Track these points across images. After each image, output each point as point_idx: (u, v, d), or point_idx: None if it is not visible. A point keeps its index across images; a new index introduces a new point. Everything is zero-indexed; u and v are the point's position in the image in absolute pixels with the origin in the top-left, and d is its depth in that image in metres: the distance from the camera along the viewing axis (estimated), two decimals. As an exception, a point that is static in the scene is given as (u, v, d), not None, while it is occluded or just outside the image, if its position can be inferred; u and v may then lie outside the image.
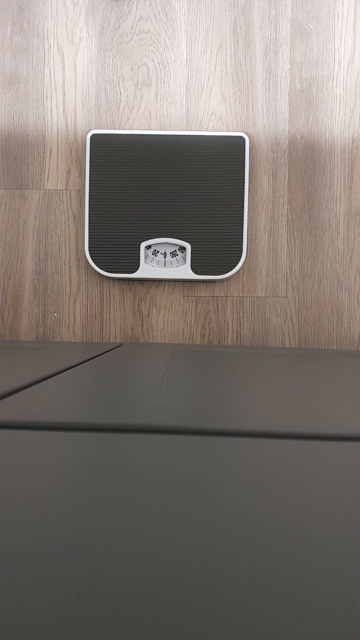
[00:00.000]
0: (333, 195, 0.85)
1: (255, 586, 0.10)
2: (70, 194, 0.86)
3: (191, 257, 0.82)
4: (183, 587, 0.10)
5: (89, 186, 0.82)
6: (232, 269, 0.82)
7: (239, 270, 0.85)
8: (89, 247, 0.83)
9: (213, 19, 0.85)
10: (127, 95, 0.86)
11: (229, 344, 0.85)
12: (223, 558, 0.11)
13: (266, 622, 0.09)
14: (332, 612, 0.09)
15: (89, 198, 0.82)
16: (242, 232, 0.82)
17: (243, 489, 0.15)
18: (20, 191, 0.86)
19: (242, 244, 0.82)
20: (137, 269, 0.82)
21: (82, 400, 0.27)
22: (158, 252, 0.82)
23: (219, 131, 0.84)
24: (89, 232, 0.83)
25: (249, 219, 0.85)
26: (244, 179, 0.82)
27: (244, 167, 0.82)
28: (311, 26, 0.85)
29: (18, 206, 0.86)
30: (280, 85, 0.85)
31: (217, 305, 0.86)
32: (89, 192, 0.83)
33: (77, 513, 0.13)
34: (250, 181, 0.85)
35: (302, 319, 0.86)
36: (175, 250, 0.83)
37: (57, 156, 0.86)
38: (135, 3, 0.85)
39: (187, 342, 0.86)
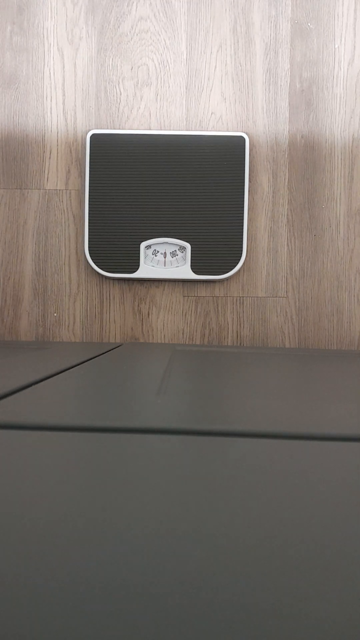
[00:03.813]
0: (333, 195, 0.85)
1: (256, 586, 0.10)
2: (70, 193, 0.86)
3: (191, 257, 0.82)
4: (183, 587, 0.10)
5: (89, 186, 0.82)
6: (232, 269, 0.82)
7: (239, 270, 0.85)
8: (88, 247, 0.83)
9: (213, 19, 0.85)
10: (127, 95, 0.86)
11: (229, 344, 0.85)
12: (223, 558, 0.11)
13: (266, 622, 0.09)
14: (332, 613, 0.09)
15: (89, 198, 0.82)
16: (242, 232, 0.82)
17: (243, 489, 0.15)
18: (20, 191, 0.86)
19: (242, 244, 0.82)
20: (137, 269, 0.82)
21: (82, 401, 0.27)
22: (158, 252, 0.82)
23: (219, 131, 0.84)
24: (89, 232, 0.83)
25: (249, 218, 0.85)
26: (244, 179, 0.82)
27: (244, 166, 0.82)
28: (311, 26, 0.85)
29: (18, 206, 0.86)
30: (280, 85, 0.85)
31: (217, 305, 0.86)
32: (89, 192, 0.82)
33: (77, 513, 0.13)
34: (250, 181, 0.85)
35: (302, 319, 0.86)
36: (175, 250, 0.82)
37: (57, 156, 0.86)
38: (135, 3, 0.85)
39: (187, 342, 0.86)
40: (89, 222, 0.83)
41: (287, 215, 0.85)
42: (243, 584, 0.10)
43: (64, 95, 0.86)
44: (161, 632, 0.08)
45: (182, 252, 0.82)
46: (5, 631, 0.08)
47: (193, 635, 0.08)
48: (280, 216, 0.85)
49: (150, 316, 0.86)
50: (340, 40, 0.85)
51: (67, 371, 0.39)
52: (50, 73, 0.86)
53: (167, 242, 0.82)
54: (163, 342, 0.86)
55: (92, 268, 0.85)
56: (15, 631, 0.08)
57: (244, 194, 0.82)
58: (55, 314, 0.86)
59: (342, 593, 0.10)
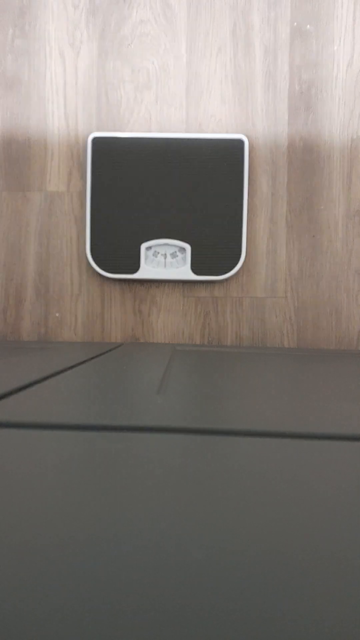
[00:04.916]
0: (332, 196, 0.85)
1: (256, 587, 0.10)
2: (71, 196, 0.86)
3: (191, 258, 0.82)
4: (183, 587, 0.10)
5: (90, 188, 0.83)
6: (231, 269, 0.83)
7: (238, 271, 0.85)
8: (90, 248, 0.83)
9: (212, 22, 0.85)
10: (128, 98, 0.86)
11: (228, 344, 0.86)
12: (223, 558, 0.11)
13: (266, 623, 0.09)
14: (333, 613, 0.09)
15: (90, 200, 0.83)
16: (242, 233, 0.82)
17: (243, 488, 0.15)
18: (22, 193, 0.87)
19: (241, 245, 0.82)
20: (138, 269, 0.82)
21: (83, 400, 0.27)
22: (158, 253, 0.83)
23: (218, 133, 0.84)
24: (90, 233, 0.83)
25: (249, 220, 0.85)
26: (243, 181, 0.82)
27: (244, 168, 0.82)
28: (310, 28, 0.85)
29: (20, 208, 0.87)
30: (280, 88, 0.85)
31: (217, 305, 0.86)
32: (90, 194, 0.83)
33: (77, 513, 0.13)
34: (249, 183, 0.85)
35: (301, 320, 0.86)
36: (175, 251, 0.83)
37: (59, 158, 0.86)
38: (135, 6, 0.85)
39: (187, 342, 0.86)
40: (90, 224, 0.83)
41: (286, 216, 0.86)
42: (244, 584, 0.10)
43: (65, 98, 0.86)
44: (161, 632, 0.08)
45: (182, 253, 0.83)
46: (5, 631, 0.08)
47: (193, 635, 0.08)
48: (280, 218, 0.86)
49: (150, 316, 0.86)
50: (339, 42, 0.85)
51: (67, 371, 0.40)
52: (51, 76, 0.86)
53: (167, 244, 0.83)
54: (163, 342, 0.86)
55: (94, 269, 0.86)
56: (15, 631, 0.08)
57: (243, 196, 0.82)
58: (57, 315, 0.87)
59: (343, 593, 0.09)
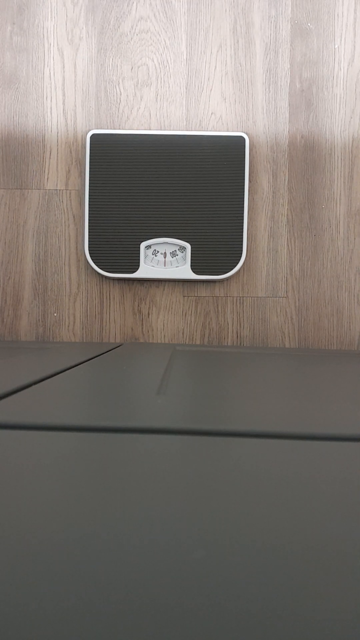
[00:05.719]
0: (333, 195, 0.85)
1: (256, 587, 0.10)
2: (70, 194, 0.86)
3: (191, 257, 0.82)
4: (182, 587, 0.10)
5: (89, 186, 0.82)
6: (232, 269, 0.82)
7: (239, 270, 0.85)
8: (88, 247, 0.83)
9: (213, 19, 0.85)
10: (127, 95, 0.86)
11: (229, 344, 0.85)
12: (223, 558, 0.11)
13: (266, 623, 0.09)
14: (333, 614, 0.09)
15: (89, 198, 0.82)
16: (242, 232, 0.82)
17: (243, 489, 0.15)
18: (20, 191, 0.86)
19: (242, 244, 0.82)
20: (137, 269, 0.82)
21: (82, 401, 0.27)
22: (158, 252, 0.82)
23: (219, 131, 0.84)
24: (89, 232, 0.83)
25: (249, 218, 0.85)
26: (243, 179, 0.82)
27: (244, 167, 0.82)
28: (311, 26, 0.85)
29: (18, 206, 0.86)
30: (280, 85, 0.85)
31: (217, 305, 0.86)
32: (89, 192, 0.83)
33: (77, 513, 0.13)
34: (250, 181, 0.85)
35: (302, 319, 0.86)
36: (175, 250, 0.83)
37: (57, 156, 0.86)
38: (135, 3, 0.85)
39: (187, 342, 0.86)
40: (89, 222, 0.83)
41: (287, 215, 0.85)
42: (244, 584, 0.10)
43: (64, 95, 0.86)
44: (161, 632, 0.08)
45: (182, 252, 0.82)
46: (5, 631, 0.08)
47: (193, 635, 0.08)
48: (280, 216, 0.85)
49: (150, 316, 0.86)
50: (340, 40, 0.85)
51: (67, 371, 0.39)
52: (50, 73, 0.86)
53: (167, 242, 0.82)
54: (163, 342, 0.86)
55: (92, 268, 0.85)
56: (15, 631, 0.08)
57: (244, 194, 0.82)
58: (55, 314, 0.86)
59: (343, 593, 0.10)
